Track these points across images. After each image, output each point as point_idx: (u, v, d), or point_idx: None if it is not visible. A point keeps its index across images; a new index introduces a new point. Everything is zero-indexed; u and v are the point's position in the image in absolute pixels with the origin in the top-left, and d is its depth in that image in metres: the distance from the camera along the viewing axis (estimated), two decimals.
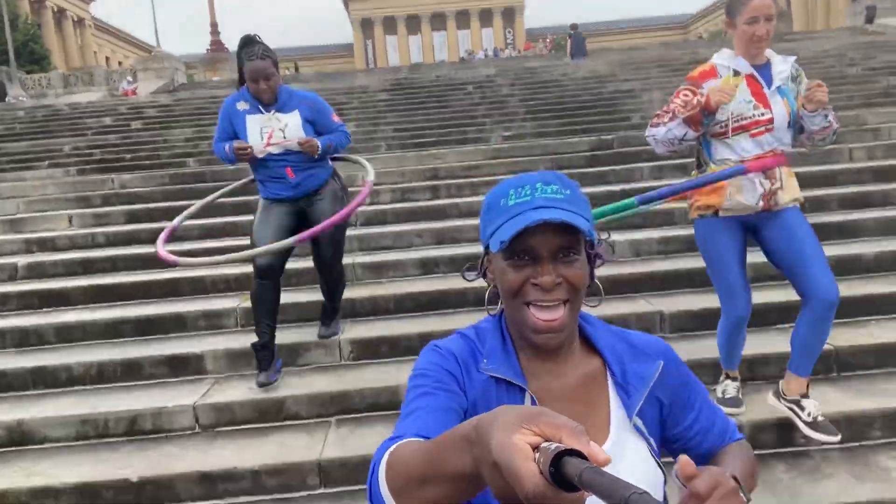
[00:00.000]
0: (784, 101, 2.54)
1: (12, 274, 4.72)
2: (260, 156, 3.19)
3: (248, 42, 3.16)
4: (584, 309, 0.98)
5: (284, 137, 3.18)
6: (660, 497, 0.94)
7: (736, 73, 2.52)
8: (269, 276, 3.18)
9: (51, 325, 3.93)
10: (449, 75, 14.82)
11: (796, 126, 2.57)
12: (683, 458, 0.74)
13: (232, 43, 36.97)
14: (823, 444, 2.55)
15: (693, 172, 2.70)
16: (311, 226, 3.22)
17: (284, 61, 56.24)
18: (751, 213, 2.54)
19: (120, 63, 56.83)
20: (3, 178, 8.44)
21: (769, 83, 2.52)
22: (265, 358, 3.20)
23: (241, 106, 3.22)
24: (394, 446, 0.76)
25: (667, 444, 1.02)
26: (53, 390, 3.40)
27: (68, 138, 10.98)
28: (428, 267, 4.44)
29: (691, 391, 1.02)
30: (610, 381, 0.97)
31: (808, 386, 2.60)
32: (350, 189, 3.72)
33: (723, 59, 2.58)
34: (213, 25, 33.75)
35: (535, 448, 0.55)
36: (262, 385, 3.16)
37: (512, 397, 0.93)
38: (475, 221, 3.89)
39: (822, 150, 2.48)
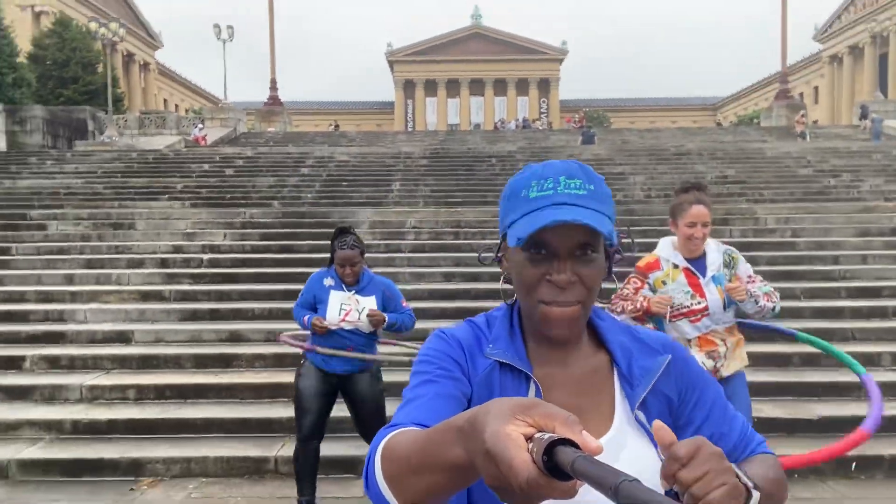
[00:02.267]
0: (718, 288, 2.96)
1: (201, 263, 8.08)
2: (332, 328, 3.63)
3: (343, 232, 3.72)
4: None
5: (359, 318, 3.65)
6: (659, 490, 0.90)
7: (675, 266, 2.98)
8: (310, 446, 3.75)
9: (233, 290, 7.22)
10: (478, 148, 18.40)
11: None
12: (657, 424, 0.73)
13: (286, 94, 41.16)
14: None
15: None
16: (343, 398, 3.79)
17: (327, 115, 61.37)
18: None
19: (176, 106, 62.67)
20: (136, 205, 11.95)
21: (703, 274, 2.95)
22: None
23: (328, 282, 3.75)
24: (390, 435, 0.79)
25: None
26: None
27: (178, 178, 14.60)
28: (448, 277, 7.65)
29: (703, 391, 1.01)
30: (616, 375, 0.99)
31: None
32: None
33: (665, 252, 3.05)
34: (273, 82, 38.30)
35: (529, 438, 0.57)
36: None
37: (516, 383, 0.95)
38: (478, 253, 7.50)
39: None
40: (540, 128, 38.87)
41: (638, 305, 2.91)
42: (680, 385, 1.00)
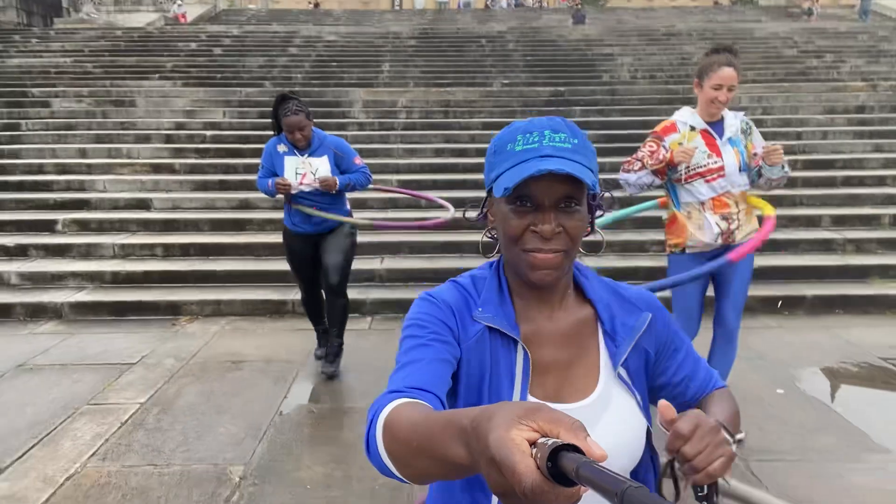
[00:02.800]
0: (734, 150, 3.01)
1: (204, 139, 8.58)
2: (294, 192, 3.83)
3: (284, 99, 3.81)
4: (584, 261, 1.06)
5: (315, 180, 3.82)
6: (640, 444, 1.00)
7: (692, 128, 3.02)
8: (311, 292, 4.22)
9: (238, 164, 7.78)
10: (468, 28, 18.25)
11: (751, 171, 3.05)
12: (663, 403, 0.81)
13: None
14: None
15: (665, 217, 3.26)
16: (321, 256, 3.99)
17: None
18: (712, 249, 3.05)
19: None
20: (128, 84, 12.16)
21: (721, 135, 3.01)
22: (325, 339, 4.29)
23: (281, 148, 3.87)
24: (392, 407, 0.80)
25: (654, 393, 1.07)
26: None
27: (167, 57, 14.61)
28: (438, 153, 8.25)
29: (676, 342, 1.09)
30: (600, 330, 1.04)
31: None
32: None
33: (682, 116, 3.08)
34: None
35: (533, 443, 0.57)
36: (327, 375, 4.06)
37: (506, 347, 0.99)
38: (469, 132, 8.16)
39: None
40: (532, 5, 37.73)
41: (661, 157, 2.96)
42: (659, 341, 1.07)
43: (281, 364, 4.38)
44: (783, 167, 2.99)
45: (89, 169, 7.80)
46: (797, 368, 4.26)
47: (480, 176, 6.26)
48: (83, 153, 8.21)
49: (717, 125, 3.03)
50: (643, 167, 3.01)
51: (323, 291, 4.18)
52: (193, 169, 7.83)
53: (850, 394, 3.88)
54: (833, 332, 4.91)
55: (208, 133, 8.74)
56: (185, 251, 6.22)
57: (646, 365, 1.06)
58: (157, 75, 13.19)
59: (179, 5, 27.28)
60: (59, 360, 4.51)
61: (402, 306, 5.43)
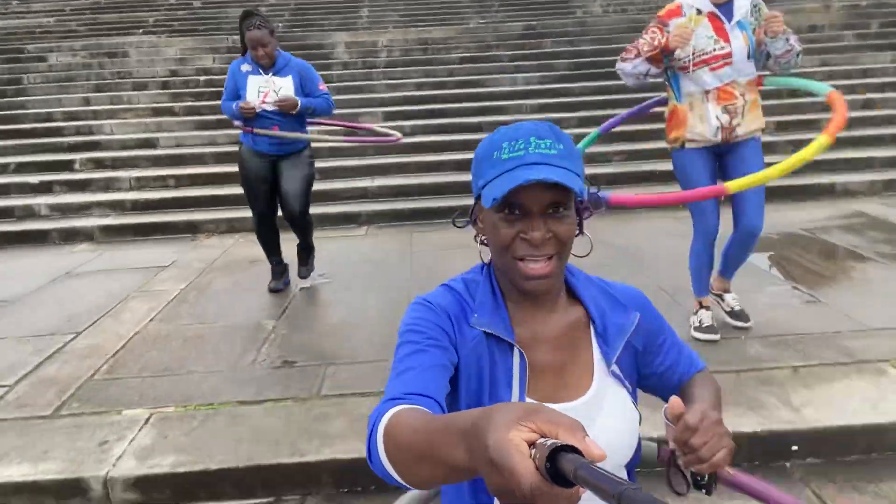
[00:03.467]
0: (744, 34, 2.83)
1: (199, 84, 9.18)
2: (256, 111, 3.81)
3: (248, 15, 3.81)
4: (571, 260, 1.06)
5: (278, 98, 3.81)
6: (635, 436, 1.05)
7: (699, 12, 2.85)
8: (266, 221, 4.20)
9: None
10: None
11: (761, 56, 2.88)
12: (674, 399, 0.89)
13: None
14: (739, 328, 3.21)
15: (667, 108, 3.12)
16: (277, 180, 4.01)
17: None
18: (713, 143, 2.92)
19: None
20: (116, 38, 12.59)
21: (730, 18, 2.82)
22: (279, 270, 4.39)
23: (245, 67, 3.87)
24: (391, 413, 0.80)
25: (643, 381, 1.14)
26: None
27: (147, 13, 14.94)
28: (419, 87, 8.91)
29: (662, 334, 1.15)
30: (592, 331, 1.07)
31: (729, 285, 3.35)
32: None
33: None
34: None
35: (532, 444, 0.58)
36: (272, 290, 4.27)
37: (503, 351, 1.01)
38: (448, 66, 8.80)
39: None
40: None
41: (655, 42, 2.82)
42: (646, 336, 1.11)
43: (293, 261, 5.18)
44: (787, 39, 2.79)
45: (95, 115, 8.41)
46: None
47: (458, 105, 7.05)
48: (87, 101, 8.80)
49: (725, 7, 2.85)
50: (639, 54, 2.87)
51: (286, 219, 4.18)
52: (191, 111, 8.45)
53: (773, 250, 4.73)
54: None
55: (202, 78, 9.32)
56: (194, 181, 6.93)
57: (634, 359, 1.11)
58: (140, 30, 13.57)
59: None
60: (101, 267, 5.29)
61: (392, 216, 6.20)
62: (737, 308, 3.32)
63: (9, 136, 7.91)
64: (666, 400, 0.98)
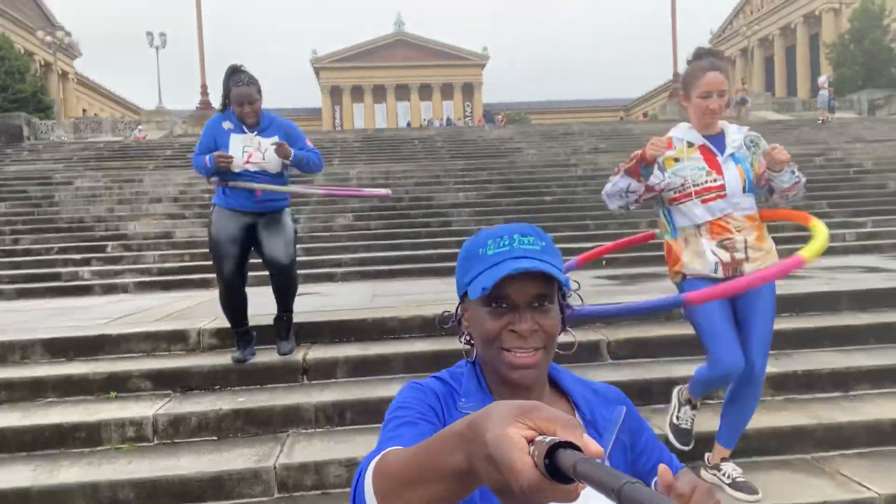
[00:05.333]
0: (738, 167, 2.71)
1: (203, 200, 11.58)
2: (236, 170, 3.66)
3: (235, 70, 3.71)
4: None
5: (263, 159, 3.69)
6: None
7: (690, 145, 2.75)
8: (235, 288, 3.85)
9: None
10: (403, 134, 22.36)
11: (763, 191, 2.76)
12: (663, 468, 0.88)
13: (215, 102, 44.17)
14: (745, 502, 2.82)
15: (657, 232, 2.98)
16: (256, 244, 3.82)
17: None
18: (716, 278, 2.67)
19: (94, 114, 63.68)
20: (126, 173, 15.18)
21: (722, 151, 2.73)
22: (245, 340, 4.01)
23: (227, 125, 3.71)
24: (380, 455, 0.80)
25: None
26: None
27: (148, 161, 17.77)
28: (382, 200, 11.51)
29: (644, 433, 1.18)
30: (581, 421, 1.06)
31: (729, 455, 2.97)
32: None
33: (678, 131, 2.81)
34: (203, 87, 40.85)
35: (531, 441, 0.59)
36: (238, 361, 3.93)
37: None
38: (405, 187, 11.71)
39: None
40: (460, 124, 43.36)
41: (632, 155, 2.66)
42: (632, 431, 1.16)
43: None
44: (793, 171, 2.65)
45: (119, 219, 10.65)
46: None
47: (412, 210, 9.80)
48: (111, 210, 11.08)
49: (717, 139, 2.76)
50: (618, 172, 2.72)
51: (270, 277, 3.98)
52: (200, 215, 10.77)
53: None
54: None
55: (207, 196, 11.78)
56: (206, 257, 9.06)
57: (624, 453, 1.13)
58: (151, 166, 16.27)
59: (140, 129, 30.97)
60: (145, 298, 7.25)
61: (359, 275, 8.35)
62: (739, 479, 2.87)
63: (48, 231, 10.03)
64: None
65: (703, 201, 2.70)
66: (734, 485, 2.88)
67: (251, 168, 3.74)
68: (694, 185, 2.70)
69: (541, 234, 1.07)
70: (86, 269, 8.65)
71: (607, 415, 1.12)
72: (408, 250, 9.14)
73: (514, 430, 0.60)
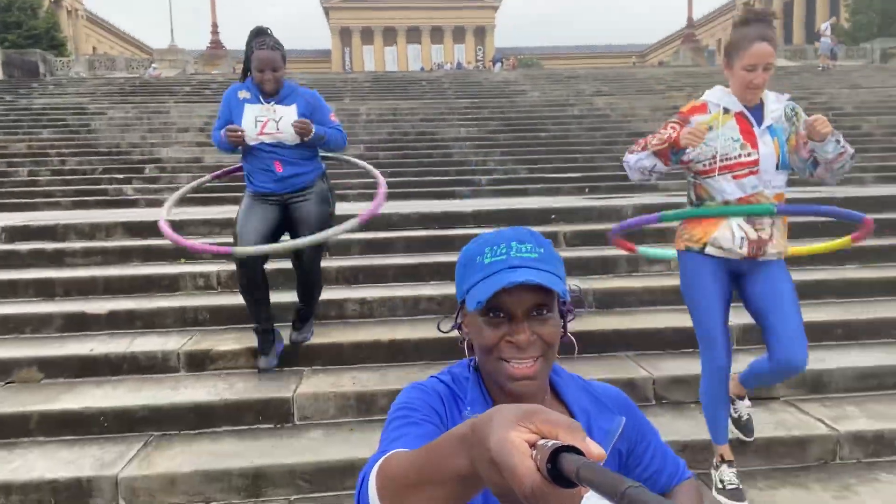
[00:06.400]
0: (774, 141, 2.54)
1: None
2: (251, 143, 3.35)
3: (260, 32, 3.44)
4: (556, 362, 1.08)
5: (278, 129, 3.36)
6: None
7: (726, 111, 2.57)
8: (255, 271, 3.52)
9: None
10: (411, 76, 23.25)
11: (806, 164, 2.56)
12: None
13: (229, 42, 44.57)
14: (741, 440, 2.87)
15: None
16: (293, 224, 3.49)
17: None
18: (736, 257, 2.58)
19: (104, 52, 64.20)
20: (153, 106, 16.35)
21: (760, 122, 2.55)
22: (268, 340, 3.68)
23: (243, 94, 3.42)
24: (383, 458, 0.81)
25: None
26: None
27: (168, 97, 18.86)
28: (390, 134, 12.66)
29: (647, 438, 1.17)
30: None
31: (746, 393, 2.94)
32: (338, 192, 4.09)
33: (714, 95, 2.61)
34: (214, 26, 41.40)
35: (533, 445, 0.60)
36: (263, 370, 3.62)
37: None
38: (411, 123, 13.03)
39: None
40: (471, 68, 43.85)
41: (665, 137, 2.50)
42: (631, 439, 1.16)
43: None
44: (837, 140, 2.44)
45: (152, 146, 11.89)
46: None
47: (417, 143, 11.18)
48: (144, 138, 12.32)
49: (756, 109, 2.59)
50: (645, 147, 2.57)
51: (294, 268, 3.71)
52: None
53: None
54: None
55: None
56: (236, 178, 10.33)
57: (619, 462, 1.14)
58: (172, 101, 17.40)
59: (155, 68, 31.90)
60: (191, 212, 8.55)
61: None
62: (745, 417, 2.99)
63: (91, 155, 11.31)
64: None
65: (735, 177, 2.57)
66: (738, 422, 2.98)
67: (266, 140, 3.42)
68: (726, 160, 2.56)
69: (539, 239, 1.07)
70: (128, 186, 9.95)
71: (605, 426, 1.12)
72: (411, 177, 10.35)
73: (517, 434, 0.60)
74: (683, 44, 39.14)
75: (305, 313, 3.90)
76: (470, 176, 10.15)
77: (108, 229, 5.71)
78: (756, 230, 2.58)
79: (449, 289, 4.38)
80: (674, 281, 4.84)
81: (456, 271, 1.11)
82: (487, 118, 13.81)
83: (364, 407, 3.52)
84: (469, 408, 1.07)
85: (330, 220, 3.64)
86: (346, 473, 3.03)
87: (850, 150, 2.50)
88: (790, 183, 2.77)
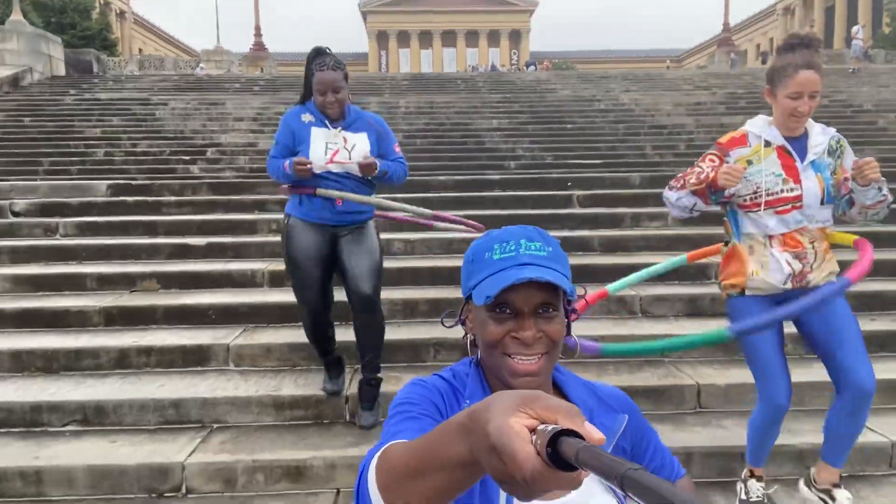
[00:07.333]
0: (818, 176, 2.49)
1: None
2: (318, 171, 3.19)
3: (320, 53, 3.29)
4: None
5: (350, 158, 3.22)
6: None
7: (767, 144, 2.50)
8: (322, 316, 3.45)
9: None
10: (447, 75, 24.38)
11: (840, 201, 2.53)
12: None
13: (271, 45, 46.33)
14: None
15: (722, 247, 2.74)
16: (340, 260, 3.32)
17: (303, 65, 66.61)
18: (780, 292, 2.51)
19: (149, 54, 66.89)
20: (210, 98, 17.73)
21: (803, 157, 2.50)
22: (337, 369, 3.74)
23: (306, 118, 3.28)
24: (383, 448, 0.84)
25: None
26: None
27: (220, 94, 20.29)
28: (427, 125, 13.77)
29: (648, 436, 1.21)
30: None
31: (840, 476, 2.62)
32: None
33: (755, 126, 2.57)
34: (257, 28, 43.25)
35: (532, 430, 0.61)
36: (330, 393, 3.64)
37: None
38: (447, 114, 14.32)
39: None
40: (505, 70, 44.96)
41: (703, 176, 2.47)
42: (634, 438, 1.20)
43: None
44: (880, 188, 2.41)
45: (212, 132, 13.19)
46: None
47: (451, 132, 12.44)
48: (204, 126, 13.63)
49: (798, 141, 2.53)
50: (683, 185, 2.53)
51: (352, 310, 3.47)
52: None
53: None
54: None
55: (280, 117, 14.26)
56: None
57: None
58: (229, 91, 18.79)
59: (202, 68, 33.70)
60: None
61: None
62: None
63: (158, 139, 12.64)
64: None
65: (778, 212, 2.52)
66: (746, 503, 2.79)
67: (334, 169, 3.30)
68: (768, 195, 2.50)
69: (548, 238, 1.10)
70: (194, 167, 11.20)
71: (608, 423, 1.13)
72: (446, 161, 11.43)
73: (516, 420, 0.62)
74: (720, 48, 39.75)
75: (374, 385, 3.54)
76: (500, 161, 11.18)
77: (194, 188, 6.90)
78: (801, 262, 2.53)
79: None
80: (666, 231, 5.78)
81: (462, 267, 1.15)
82: (518, 111, 14.83)
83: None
84: (468, 400, 1.10)
85: (381, 250, 3.54)
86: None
87: (891, 198, 2.48)
88: None
